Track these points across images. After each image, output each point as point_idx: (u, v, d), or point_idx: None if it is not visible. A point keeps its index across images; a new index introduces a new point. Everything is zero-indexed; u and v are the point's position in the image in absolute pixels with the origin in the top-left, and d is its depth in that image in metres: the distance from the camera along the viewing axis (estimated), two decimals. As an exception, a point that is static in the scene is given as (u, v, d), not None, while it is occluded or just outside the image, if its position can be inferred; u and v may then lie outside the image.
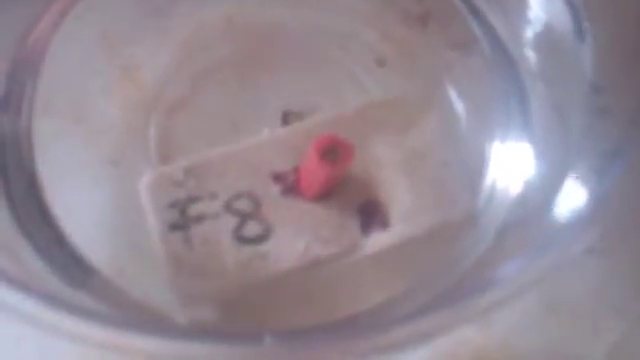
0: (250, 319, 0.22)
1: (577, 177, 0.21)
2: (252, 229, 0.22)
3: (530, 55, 0.26)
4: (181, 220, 0.22)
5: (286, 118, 0.25)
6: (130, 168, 0.24)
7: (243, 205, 0.22)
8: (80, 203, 0.24)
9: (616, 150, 0.19)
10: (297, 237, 0.22)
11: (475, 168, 0.25)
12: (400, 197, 0.23)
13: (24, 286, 0.18)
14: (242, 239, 0.22)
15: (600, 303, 0.24)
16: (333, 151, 0.20)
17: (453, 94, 0.26)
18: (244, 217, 0.22)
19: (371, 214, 0.22)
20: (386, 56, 0.27)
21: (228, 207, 0.22)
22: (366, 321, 0.22)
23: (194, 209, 0.22)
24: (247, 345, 0.17)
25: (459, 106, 0.26)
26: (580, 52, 0.23)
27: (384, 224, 0.22)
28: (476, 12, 0.27)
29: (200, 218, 0.22)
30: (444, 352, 0.24)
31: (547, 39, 0.26)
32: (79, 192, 0.24)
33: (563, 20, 0.24)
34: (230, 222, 0.22)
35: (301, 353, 0.17)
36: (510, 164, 0.25)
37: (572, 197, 0.20)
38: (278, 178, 0.23)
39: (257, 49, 0.27)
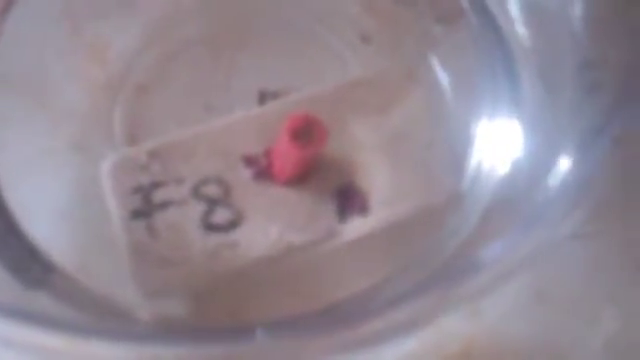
0: (222, 312, 0.21)
1: (566, 155, 0.20)
2: (221, 216, 0.21)
3: (520, 29, 0.25)
4: (144, 207, 0.21)
5: (263, 99, 0.24)
6: (94, 154, 0.23)
7: (211, 190, 0.21)
8: (39, 193, 0.23)
9: (603, 127, 0.19)
10: (269, 224, 0.21)
11: (460, 148, 0.24)
12: (380, 180, 0.22)
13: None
14: (210, 227, 0.21)
15: (594, 290, 0.23)
16: (306, 132, 0.20)
17: (439, 70, 0.25)
18: (212, 203, 0.21)
19: (349, 199, 0.22)
20: (371, 32, 0.26)
21: (195, 192, 0.21)
22: (349, 310, 0.22)
23: (158, 195, 0.21)
24: (237, 342, 0.16)
25: (445, 83, 0.25)
26: (571, 25, 0.22)
27: (363, 209, 0.21)
28: (464, -17, 0.26)
29: (165, 204, 0.21)
30: (431, 344, 0.23)
31: (537, 12, 0.25)
32: (38, 180, 0.23)
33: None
34: (197, 209, 0.21)
35: (297, 346, 0.16)
36: (497, 143, 0.24)
37: (560, 176, 0.19)
38: (249, 161, 0.22)
39: (231, 25, 0.26)
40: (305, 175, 0.21)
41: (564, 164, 0.20)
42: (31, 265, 0.21)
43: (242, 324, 0.21)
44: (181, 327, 0.21)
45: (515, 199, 0.22)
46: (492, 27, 0.26)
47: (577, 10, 0.22)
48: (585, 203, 0.18)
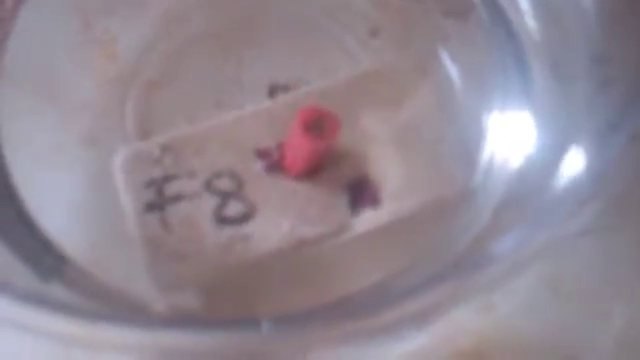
0: (235, 305, 0.21)
1: (579, 150, 0.20)
2: (234, 209, 0.21)
3: (531, 22, 0.25)
4: (158, 200, 0.21)
5: (273, 92, 0.24)
6: (106, 148, 0.23)
7: (224, 184, 0.21)
8: (52, 187, 0.23)
9: (617, 122, 0.18)
10: (281, 217, 0.21)
11: (472, 142, 0.24)
12: (392, 174, 0.22)
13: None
14: (223, 220, 0.21)
15: (606, 285, 0.23)
16: (318, 124, 0.20)
17: (449, 65, 0.25)
18: (225, 196, 0.21)
19: (361, 192, 0.22)
20: (379, 25, 0.26)
21: (208, 186, 0.21)
22: (361, 303, 0.21)
23: (171, 188, 0.21)
24: (243, 332, 0.16)
25: (455, 77, 0.25)
26: (582, 18, 0.22)
27: (374, 202, 0.21)
28: (474, -23, 0.26)
29: (178, 198, 0.21)
30: (443, 338, 0.23)
31: (548, 4, 0.25)
32: (51, 175, 0.23)
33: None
34: (210, 202, 0.21)
35: (303, 338, 0.16)
36: (509, 137, 0.24)
37: (573, 170, 0.19)
38: (261, 154, 0.22)
39: (241, 19, 0.25)
40: (317, 168, 0.21)
41: (577, 159, 0.20)
42: (44, 257, 0.21)
43: (251, 316, 0.21)
44: (193, 319, 0.21)
45: (527, 193, 0.22)
46: (502, 20, 0.25)
47: (588, 3, 0.22)
48: (598, 198, 0.17)
